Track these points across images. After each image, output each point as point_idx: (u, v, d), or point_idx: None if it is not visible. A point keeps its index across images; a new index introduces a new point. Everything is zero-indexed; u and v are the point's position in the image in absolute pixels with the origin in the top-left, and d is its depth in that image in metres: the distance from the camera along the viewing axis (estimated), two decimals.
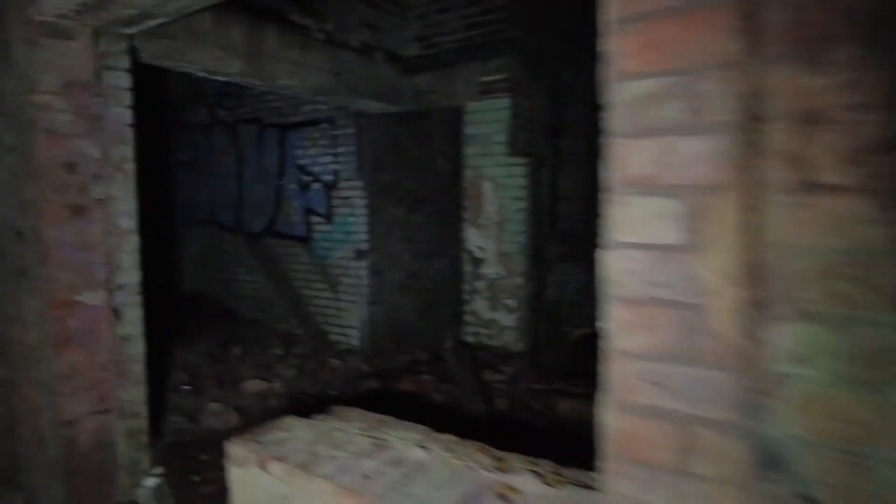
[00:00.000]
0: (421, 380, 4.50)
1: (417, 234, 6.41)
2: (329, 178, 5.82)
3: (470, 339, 5.36)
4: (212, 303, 7.03)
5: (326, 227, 5.88)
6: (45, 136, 2.71)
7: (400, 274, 6.17)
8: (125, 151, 3.03)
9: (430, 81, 5.31)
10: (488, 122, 4.98)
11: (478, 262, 5.16)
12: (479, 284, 5.15)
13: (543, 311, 5.20)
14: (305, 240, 6.06)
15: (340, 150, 5.71)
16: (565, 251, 5.35)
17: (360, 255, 5.69)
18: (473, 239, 5.15)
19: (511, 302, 5.03)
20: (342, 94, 4.68)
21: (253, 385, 4.70)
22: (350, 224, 5.69)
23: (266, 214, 6.41)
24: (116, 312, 3.02)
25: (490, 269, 5.07)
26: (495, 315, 5.07)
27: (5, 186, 2.98)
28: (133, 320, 3.10)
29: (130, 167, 3.06)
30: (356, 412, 1.90)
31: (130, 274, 3.08)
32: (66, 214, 2.78)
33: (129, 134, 3.05)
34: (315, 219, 5.97)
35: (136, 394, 3.13)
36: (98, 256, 2.92)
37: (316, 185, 5.95)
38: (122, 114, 3.01)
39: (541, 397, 4.26)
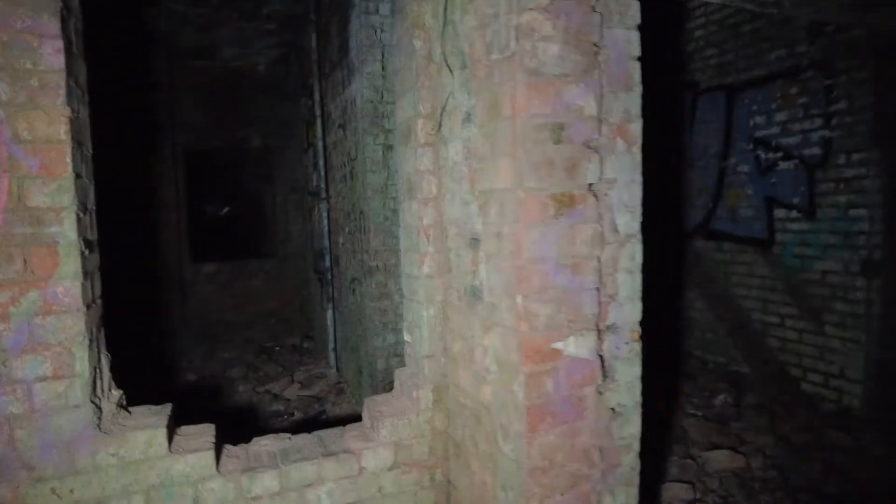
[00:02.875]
0: None
1: None
2: (813, 151, 3.88)
3: None
4: None
5: (804, 225, 3.97)
6: (526, 81, 1.64)
7: None
8: (630, 102, 1.81)
9: None
10: None
11: None
12: None
13: None
14: (764, 243, 4.26)
15: (838, 107, 3.71)
16: None
17: (868, 267, 3.61)
18: None
19: None
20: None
21: (720, 459, 3.17)
22: (851, 220, 3.66)
23: (700, 207, 4.82)
24: (605, 370, 1.84)
25: None
26: None
27: (455, 173, 2.09)
28: (628, 382, 1.88)
29: (636, 130, 1.83)
30: None
31: (628, 307, 1.86)
32: (548, 212, 1.69)
33: (636, 73, 1.82)
34: (783, 212, 4.12)
35: (626, 500, 1.91)
36: (588, 279, 1.77)
37: (785, 164, 4.08)
38: (626, 39, 1.80)
39: None
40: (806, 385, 4.00)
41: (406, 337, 2.52)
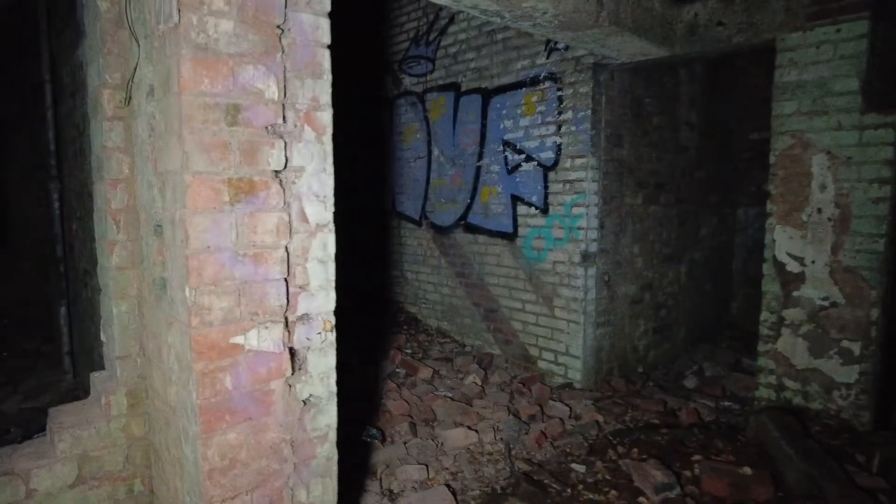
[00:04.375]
0: (725, 466, 2.87)
1: (654, 231, 4.74)
2: (548, 155, 4.36)
3: (765, 393, 3.60)
4: (392, 305, 5.99)
5: (540, 221, 4.44)
6: (193, 56, 1.52)
7: (631, 285, 4.56)
8: (318, 90, 1.79)
9: (714, 10, 3.58)
10: (824, 61, 3.16)
11: (790, 279, 3.38)
12: (793, 314, 3.37)
13: None
14: (510, 236, 4.68)
15: (567, 117, 4.21)
16: None
17: (587, 258, 4.17)
18: (785, 244, 3.38)
19: (852, 345, 3.19)
20: (600, 26, 3.16)
21: (457, 437, 3.40)
22: (575, 217, 4.19)
23: (459, 204, 5.13)
24: (296, 361, 1.81)
25: (814, 292, 3.28)
26: (819, 363, 3.27)
27: (143, 151, 1.89)
28: (322, 373, 1.87)
29: (325, 119, 1.81)
30: None
31: (321, 297, 1.85)
32: (222, 198, 1.59)
33: (325, 60, 1.80)
34: (525, 209, 4.56)
35: (322, 492, 1.91)
36: (273, 269, 1.71)
37: (528, 166, 4.52)
38: (314, 25, 1.76)
39: None
40: (542, 363, 4.50)
41: (102, 336, 2.23)
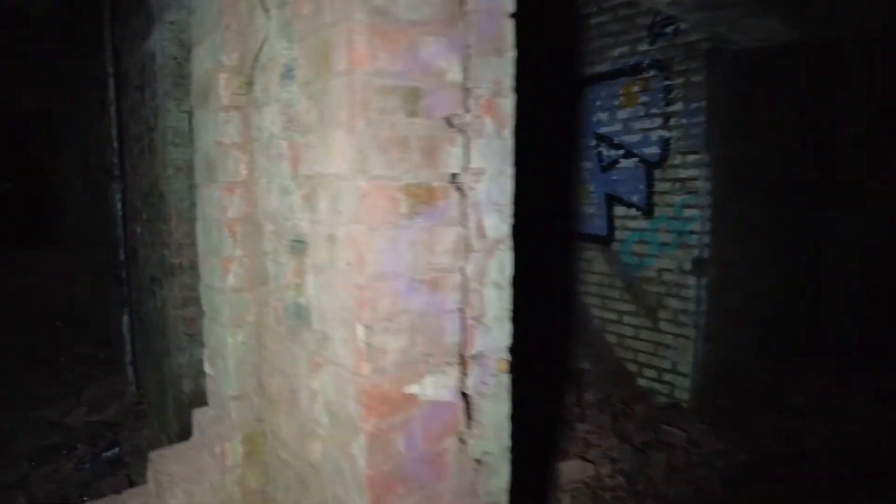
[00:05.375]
0: None
1: (760, 235, 4.27)
2: (653, 151, 3.92)
3: None
4: None
5: (643, 224, 4.01)
6: (369, 22, 1.16)
7: (739, 294, 4.11)
8: (501, 70, 1.41)
9: None
10: None
11: None
12: None
13: None
14: (605, 240, 4.26)
15: (676, 108, 3.78)
16: None
17: (699, 265, 3.73)
18: None
19: None
20: (744, 4, 2.72)
21: (572, 469, 3.02)
22: (687, 220, 3.75)
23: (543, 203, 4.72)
24: (469, 411, 1.44)
25: None
26: None
27: (271, 149, 1.54)
28: (496, 424, 1.50)
29: (506, 107, 1.43)
30: None
31: (497, 330, 1.47)
32: (399, 209, 1.23)
33: (509, 33, 1.42)
34: (622, 210, 4.14)
35: None
36: (449, 298, 1.34)
37: (627, 162, 4.10)
38: None
39: None
40: (641, 380, 4.08)
41: (207, 368, 1.90)
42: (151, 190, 3.52)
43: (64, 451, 3.80)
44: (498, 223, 1.44)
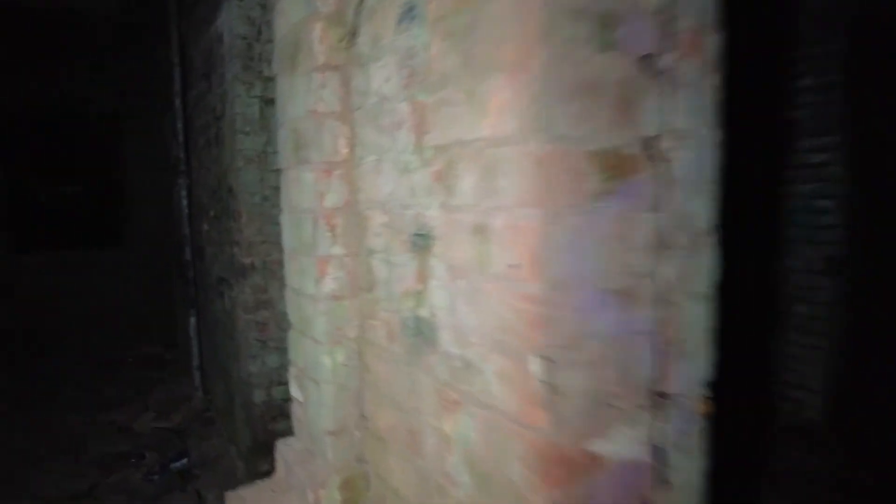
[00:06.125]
0: None
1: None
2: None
3: None
4: None
5: None
6: None
7: (881, 300, 3.51)
8: None
9: None
10: None
11: None
12: None
13: None
14: None
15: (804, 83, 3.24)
16: None
17: (832, 266, 3.19)
18: None
19: None
20: None
21: None
22: (816, 211, 3.22)
23: None
24: (661, 467, 1.04)
25: None
26: None
27: (380, 117, 1.18)
28: (690, 487, 1.09)
29: (713, 47, 1.02)
30: None
31: (697, 360, 1.06)
32: (583, 187, 0.84)
33: None
34: None
35: None
36: (639, 315, 0.94)
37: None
38: None
39: None
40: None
41: (294, 392, 1.57)
42: (219, 184, 3.28)
43: (132, 460, 3.63)
44: (701, 208, 1.04)
